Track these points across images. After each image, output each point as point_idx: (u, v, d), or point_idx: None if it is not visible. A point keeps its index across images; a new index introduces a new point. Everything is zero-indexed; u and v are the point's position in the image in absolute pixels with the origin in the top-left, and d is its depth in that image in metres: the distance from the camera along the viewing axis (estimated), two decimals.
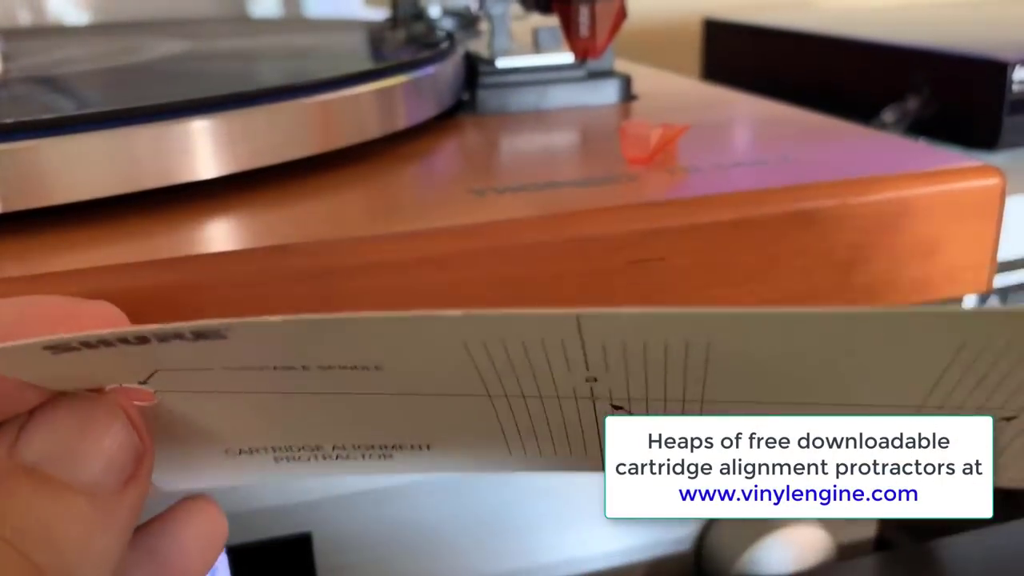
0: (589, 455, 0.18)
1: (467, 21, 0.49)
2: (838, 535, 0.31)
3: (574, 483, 0.28)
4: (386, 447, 0.18)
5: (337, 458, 0.18)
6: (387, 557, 0.27)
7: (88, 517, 0.15)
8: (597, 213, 0.23)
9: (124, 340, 0.14)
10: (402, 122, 0.32)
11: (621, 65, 0.46)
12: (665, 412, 0.16)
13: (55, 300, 0.17)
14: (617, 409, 0.16)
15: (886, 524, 0.38)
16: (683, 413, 0.16)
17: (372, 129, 0.31)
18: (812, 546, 0.30)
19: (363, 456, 0.18)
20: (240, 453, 0.18)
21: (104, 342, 0.14)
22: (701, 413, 0.16)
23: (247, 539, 0.26)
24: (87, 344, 0.14)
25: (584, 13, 0.28)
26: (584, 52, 0.29)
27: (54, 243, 0.22)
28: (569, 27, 0.29)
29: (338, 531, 0.27)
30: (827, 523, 0.30)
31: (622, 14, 0.29)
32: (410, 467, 0.18)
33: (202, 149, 0.26)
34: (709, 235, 0.23)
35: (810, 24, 0.53)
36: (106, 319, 0.17)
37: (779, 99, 0.54)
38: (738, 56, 0.57)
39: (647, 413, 0.16)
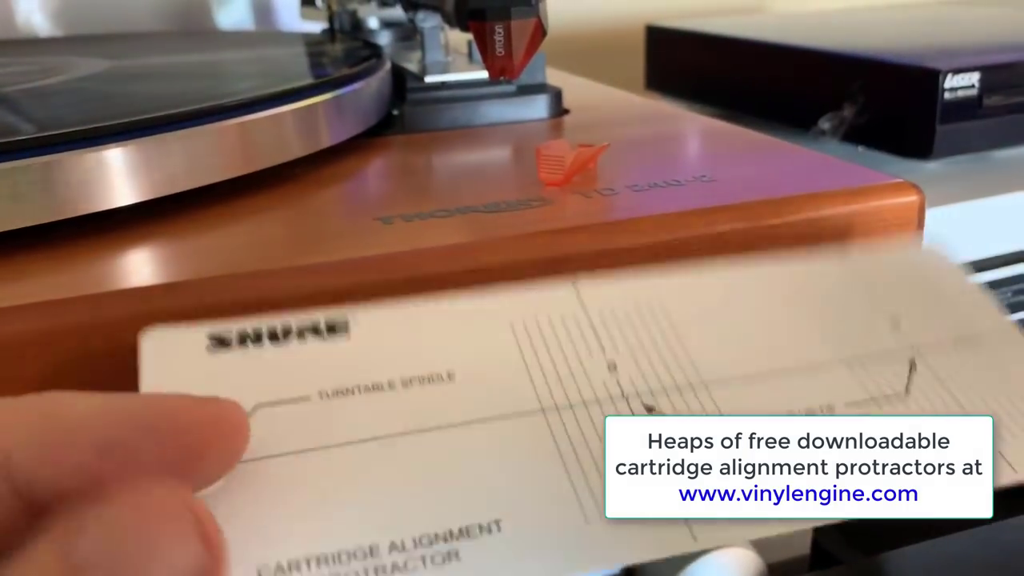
0: None
1: (406, 33, 0.49)
2: (769, 555, 0.30)
3: None
4: (452, 535, 0.16)
5: (393, 568, 0.16)
6: None
7: None
8: (498, 242, 0.22)
9: (272, 328, 0.18)
10: (325, 141, 0.31)
11: (557, 76, 0.46)
12: (686, 406, 0.19)
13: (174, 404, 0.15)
14: (650, 411, 0.18)
15: (827, 537, 0.38)
16: (702, 409, 0.19)
17: (293, 149, 0.30)
18: (743, 568, 0.29)
19: (423, 561, 0.16)
20: (277, 571, 0.16)
21: (256, 331, 0.18)
22: (713, 401, 0.19)
23: None
24: (243, 336, 0.18)
25: (499, 31, 0.28)
26: (500, 72, 0.28)
27: None
28: (484, 46, 0.28)
29: None
30: (757, 543, 0.30)
31: (540, 32, 0.28)
32: (480, 572, 0.16)
33: (116, 177, 0.25)
34: (618, 261, 0.23)
35: (750, 31, 0.52)
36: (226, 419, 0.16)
37: (720, 106, 0.54)
38: (680, 63, 0.57)
39: (674, 411, 0.19)
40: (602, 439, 0.17)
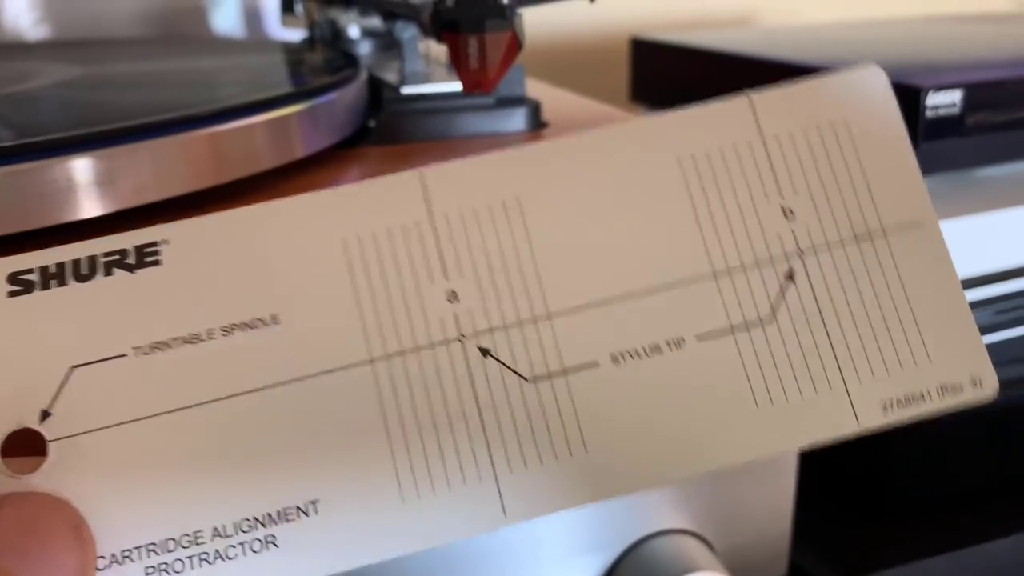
0: (481, 470, 0.17)
1: (387, 43, 0.48)
2: None
3: None
4: (271, 518, 0.17)
5: (216, 556, 0.16)
6: None
7: None
8: None
9: (76, 262, 0.17)
10: (297, 152, 0.31)
11: (539, 88, 0.45)
12: (525, 344, 0.17)
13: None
14: (485, 354, 0.17)
15: (805, 559, 0.37)
16: (541, 348, 0.17)
17: (265, 160, 0.30)
18: None
19: (243, 549, 0.16)
20: (111, 563, 0.16)
21: (60, 267, 0.17)
22: (555, 338, 0.18)
23: None
24: (45, 273, 0.17)
25: (473, 44, 0.27)
26: (475, 85, 0.27)
27: None
28: (458, 58, 0.27)
29: None
30: (734, 565, 0.30)
31: (515, 45, 0.28)
32: (297, 558, 0.17)
33: (81, 188, 0.25)
34: None
35: (735, 44, 0.52)
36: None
37: None
38: (665, 76, 0.57)
39: (511, 352, 0.17)
40: (429, 394, 0.17)
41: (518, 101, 0.36)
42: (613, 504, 0.28)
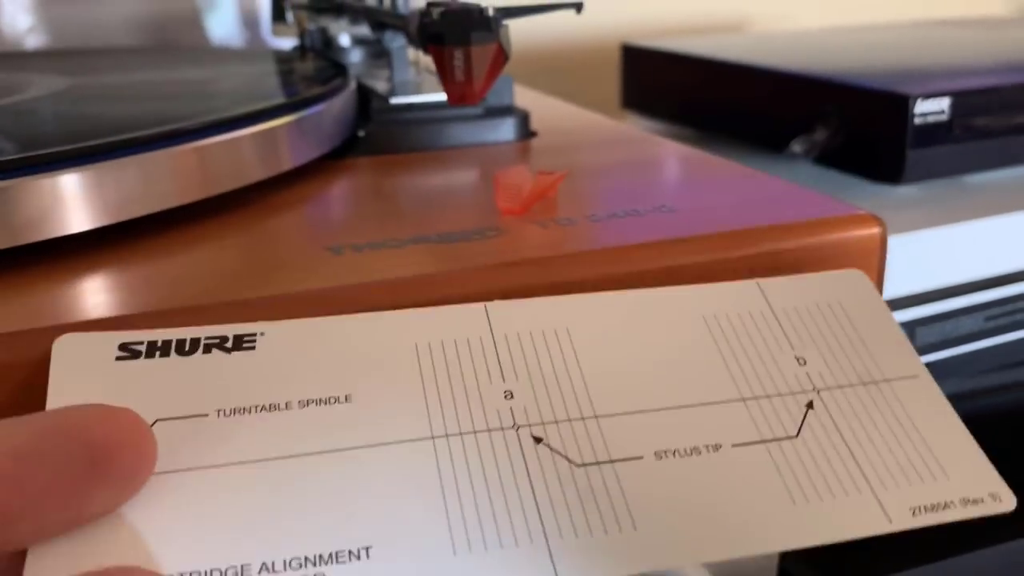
0: (532, 534, 0.18)
1: (378, 51, 0.48)
2: None
3: None
4: (322, 559, 0.17)
5: None
6: None
7: None
8: (444, 276, 0.22)
9: (181, 341, 0.19)
10: (285, 164, 0.31)
11: (529, 96, 0.45)
12: (574, 436, 0.19)
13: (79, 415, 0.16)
14: (537, 441, 0.19)
15: (794, 565, 0.37)
16: (589, 441, 0.19)
17: (252, 173, 0.30)
18: None
19: None
20: None
21: (166, 343, 0.19)
22: (602, 434, 0.19)
23: None
24: (152, 346, 0.19)
25: (459, 56, 0.27)
26: (460, 98, 0.27)
27: None
28: (444, 70, 0.27)
29: None
30: (721, 571, 0.30)
31: (501, 57, 0.28)
32: None
33: (66, 204, 0.25)
34: (568, 293, 0.22)
35: (724, 51, 0.52)
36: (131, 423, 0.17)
37: (694, 126, 0.54)
38: (655, 82, 0.57)
39: (561, 442, 0.19)
40: (484, 468, 0.18)
41: (506, 111, 0.36)
42: None
